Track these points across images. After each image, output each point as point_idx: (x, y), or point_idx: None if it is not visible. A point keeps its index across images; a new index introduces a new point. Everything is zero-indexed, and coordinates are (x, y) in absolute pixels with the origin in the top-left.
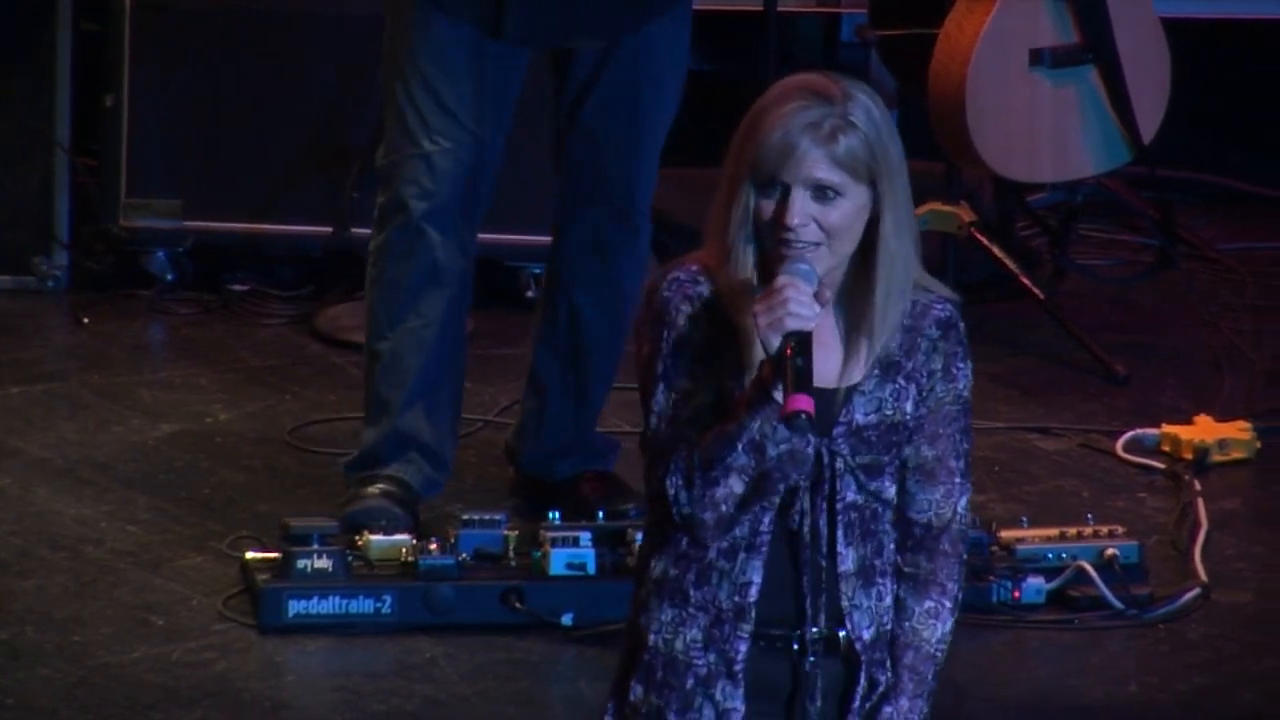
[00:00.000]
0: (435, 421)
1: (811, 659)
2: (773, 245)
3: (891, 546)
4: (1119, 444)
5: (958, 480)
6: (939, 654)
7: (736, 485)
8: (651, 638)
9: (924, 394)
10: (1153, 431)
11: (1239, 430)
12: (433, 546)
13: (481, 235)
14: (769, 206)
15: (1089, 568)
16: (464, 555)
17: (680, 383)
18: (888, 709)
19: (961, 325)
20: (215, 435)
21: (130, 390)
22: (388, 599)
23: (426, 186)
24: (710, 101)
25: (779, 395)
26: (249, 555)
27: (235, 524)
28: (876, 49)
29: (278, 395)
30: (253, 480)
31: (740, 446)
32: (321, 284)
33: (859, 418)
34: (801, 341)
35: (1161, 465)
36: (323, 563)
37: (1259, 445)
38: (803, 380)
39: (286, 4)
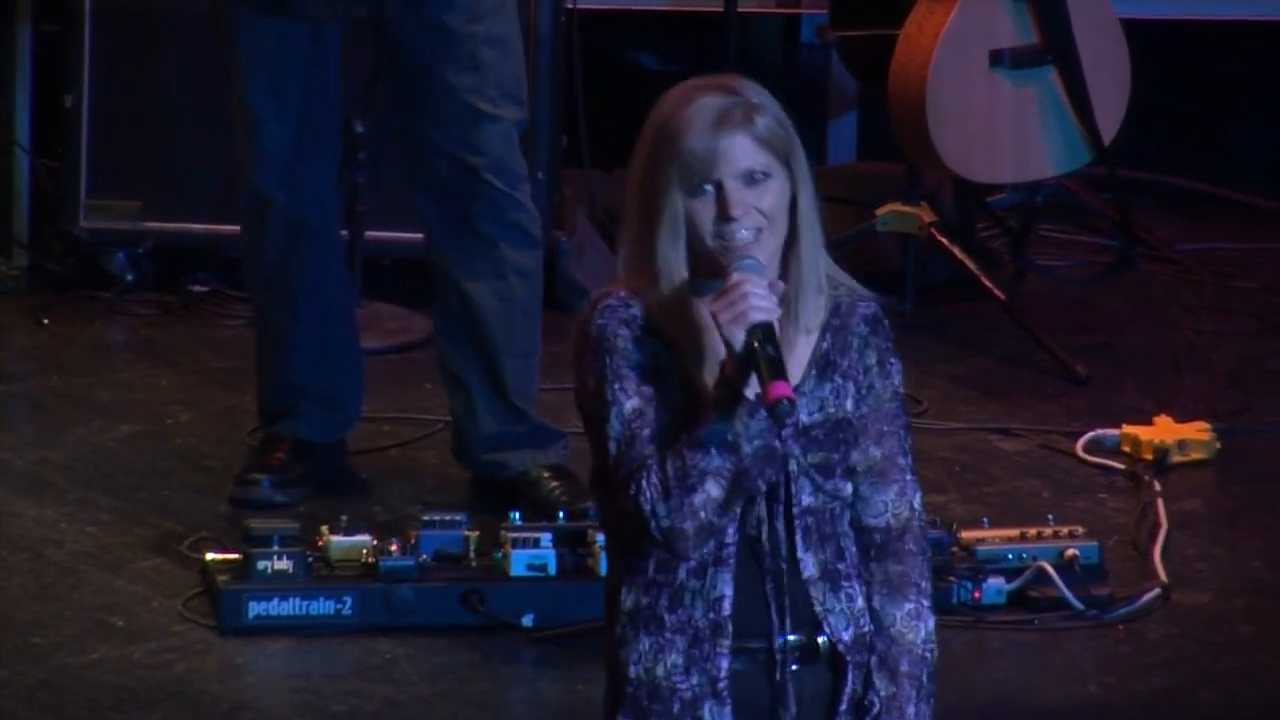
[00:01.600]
0: (322, 369)
1: (791, 667)
2: (713, 246)
3: (853, 549)
4: (1079, 444)
5: (909, 477)
6: (928, 654)
7: (714, 489)
8: (632, 669)
9: (863, 391)
10: (1113, 432)
11: (1199, 431)
12: (393, 548)
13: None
14: (703, 208)
15: (1049, 568)
16: (424, 556)
17: (632, 404)
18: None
19: (887, 321)
20: (175, 436)
21: (90, 391)
22: (348, 600)
23: (259, 161)
24: None
25: (749, 391)
26: (209, 556)
27: (195, 525)
28: (837, 50)
29: (238, 396)
30: (213, 481)
31: (714, 449)
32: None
33: (804, 417)
34: (767, 332)
35: (1121, 466)
36: (283, 564)
37: (1219, 446)
38: (777, 367)
39: None
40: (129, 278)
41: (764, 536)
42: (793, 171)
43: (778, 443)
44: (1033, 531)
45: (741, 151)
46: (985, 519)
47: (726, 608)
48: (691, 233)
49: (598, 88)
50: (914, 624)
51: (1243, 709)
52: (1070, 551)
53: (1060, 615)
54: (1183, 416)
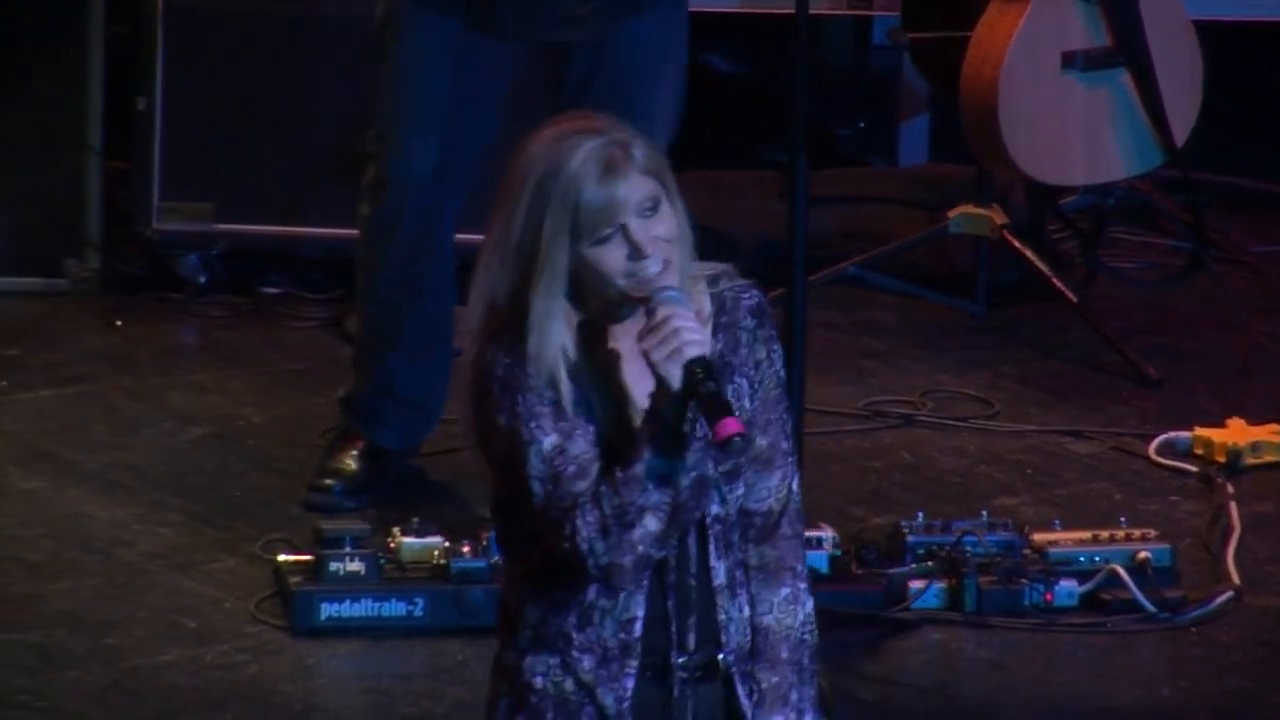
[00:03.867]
0: (418, 379)
1: (685, 684)
2: (625, 286)
3: (739, 555)
4: (1151, 447)
5: (790, 460)
6: (807, 636)
7: (653, 524)
8: (539, 681)
9: (755, 386)
10: (1185, 435)
11: (1271, 433)
12: (465, 549)
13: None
14: (609, 254)
15: (1121, 571)
16: (496, 558)
17: (551, 440)
18: (780, 708)
19: (770, 310)
20: (247, 438)
21: (162, 393)
22: (419, 602)
23: (398, 174)
24: (740, 104)
25: (686, 425)
26: (281, 558)
27: (267, 526)
28: (908, 52)
29: (310, 398)
30: (284, 483)
31: (651, 484)
32: (353, 286)
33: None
34: (705, 366)
35: (1194, 468)
36: (355, 565)
37: None
38: (723, 403)
39: (317, 7)
40: (201, 280)
41: (672, 555)
42: (665, 186)
43: (710, 471)
44: (1105, 534)
45: (636, 190)
46: (1057, 521)
47: (638, 629)
48: (592, 281)
49: None
50: (791, 609)
51: None
52: (1142, 554)
53: (1132, 618)
54: (1254, 419)
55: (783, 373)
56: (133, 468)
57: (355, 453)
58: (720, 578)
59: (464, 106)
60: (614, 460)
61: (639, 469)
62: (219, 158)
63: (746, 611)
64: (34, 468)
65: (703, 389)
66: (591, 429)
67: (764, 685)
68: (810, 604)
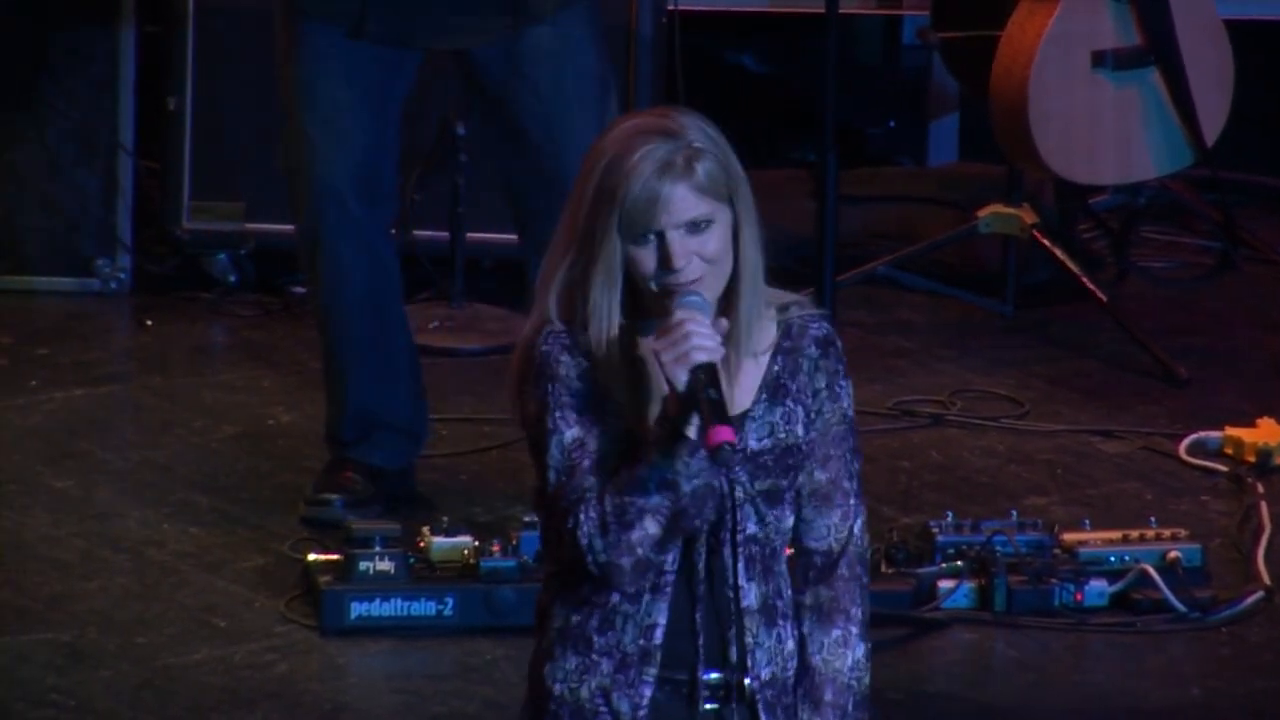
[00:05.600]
0: (389, 400)
1: (708, 706)
2: (655, 291)
3: (789, 592)
4: (1182, 447)
5: (853, 502)
6: (854, 682)
7: (652, 527)
8: (557, 687)
9: (812, 416)
10: (1215, 434)
11: None
12: (494, 549)
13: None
14: (645, 256)
15: (1151, 570)
16: (525, 557)
17: (573, 433)
18: None
19: (839, 342)
20: (277, 437)
21: (192, 392)
22: (449, 601)
23: (314, 190)
24: (769, 104)
25: (691, 431)
26: (310, 557)
27: (297, 526)
28: (938, 51)
29: None
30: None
31: (653, 487)
32: None
33: (753, 443)
34: (711, 373)
35: (1224, 468)
36: (384, 565)
37: None
38: (719, 411)
39: None
40: (231, 279)
41: (701, 565)
42: (736, 208)
43: (718, 481)
44: (1135, 534)
45: (683, 203)
46: (1087, 521)
47: (658, 636)
48: (634, 277)
49: (698, 89)
50: (841, 651)
51: None
52: (1173, 554)
53: (1162, 618)
54: None
55: (850, 413)
56: (163, 467)
57: (350, 473)
58: (751, 599)
59: (373, 113)
60: (630, 461)
61: (642, 470)
62: (249, 157)
63: (790, 645)
64: (65, 467)
65: (703, 394)
66: (616, 427)
67: None
68: (861, 649)
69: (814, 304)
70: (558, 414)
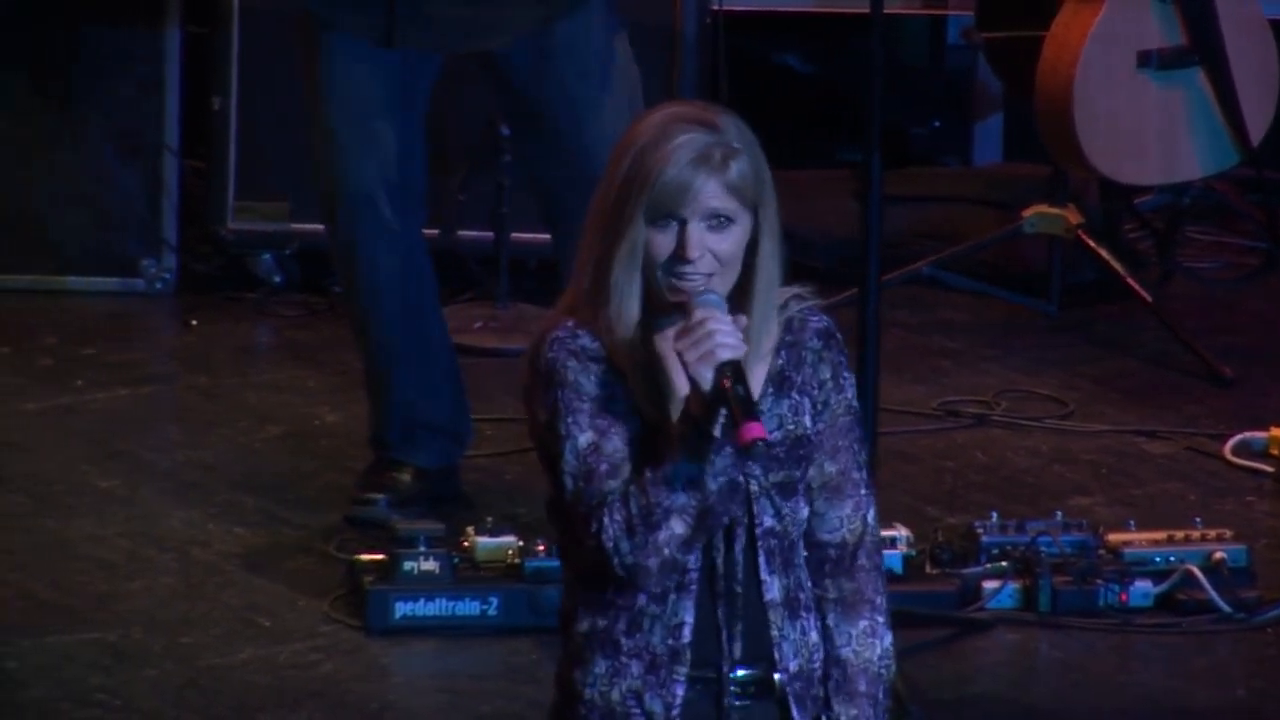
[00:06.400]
0: (431, 402)
1: (738, 703)
2: (664, 279)
3: (809, 583)
4: (1227, 447)
5: (863, 492)
6: (884, 671)
7: (678, 526)
8: (587, 691)
9: (819, 407)
10: (1260, 435)
11: None
12: (539, 548)
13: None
14: (663, 241)
15: (1197, 571)
16: None
17: (586, 437)
18: None
19: (839, 335)
20: (321, 437)
21: (237, 392)
22: (493, 601)
23: (345, 193)
24: (814, 104)
25: (717, 430)
26: (355, 557)
27: (341, 526)
28: (983, 51)
29: None
30: None
31: (680, 486)
32: None
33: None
34: (736, 370)
35: (1269, 468)
36: (429, 565)
37: None
38: (749, 407)
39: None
40: (276, 279)
41: (720, 561)
42: (758, 218)
43: (741, 477)
44: (1180, 534)
45: (710, 195)
46: (1131, 521)
47: (687, 635)
48: (647, 261)
49: (743, 89)
50: (869, 641)
51: None
52: (1218, 554)
53: (1208, 618)
54: None
55: (855, 403)
56: (207, 467)
57: (395, 472)
58: (774, 593)
59: (404, 113)
60: (650, 460)
61: (668, 470)
62: (294, 157)
63: (814, 637)
64: (109, 467)
65: (732, 391)
66: (629, 428)
67: (842, 717)
68: (888, 638)
69: (810, 293)
70: (569, 420)
